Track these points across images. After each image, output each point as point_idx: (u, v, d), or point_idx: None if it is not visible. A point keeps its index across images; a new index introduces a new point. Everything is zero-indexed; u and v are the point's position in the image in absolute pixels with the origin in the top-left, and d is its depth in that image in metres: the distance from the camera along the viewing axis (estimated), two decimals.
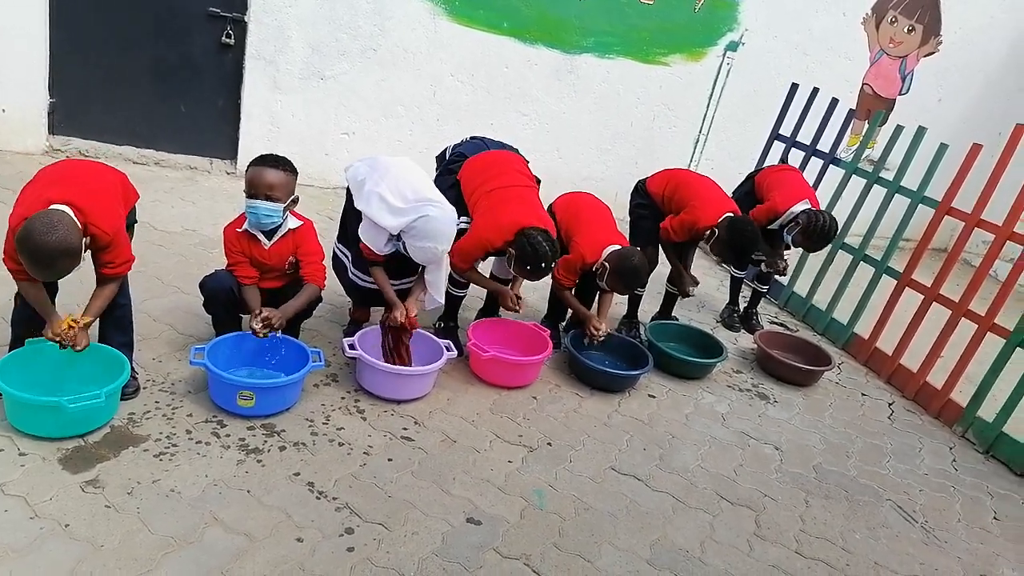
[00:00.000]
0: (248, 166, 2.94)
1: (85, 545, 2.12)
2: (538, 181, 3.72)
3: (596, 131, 6.46)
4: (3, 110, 4.84)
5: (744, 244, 3.93)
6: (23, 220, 2.28)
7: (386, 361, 3.22)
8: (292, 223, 3.05)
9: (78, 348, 2.55)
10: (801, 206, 4.36)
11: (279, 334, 2.96)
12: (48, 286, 2.60)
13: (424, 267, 3.26)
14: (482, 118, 5.92)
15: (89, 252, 2.51)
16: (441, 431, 3.05)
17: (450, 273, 3.62)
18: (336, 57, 5.42)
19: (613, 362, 3.83)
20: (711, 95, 6.68)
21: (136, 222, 2.99)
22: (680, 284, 4.31)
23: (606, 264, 3.54)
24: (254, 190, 2.89)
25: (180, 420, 2.74)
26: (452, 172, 3.66)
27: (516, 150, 3.83)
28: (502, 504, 2.69)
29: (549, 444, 3.13)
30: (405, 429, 3.01)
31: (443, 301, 3.43)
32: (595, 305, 3.86)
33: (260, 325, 2.87)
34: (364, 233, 3.15)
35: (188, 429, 2.70)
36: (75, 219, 2.35)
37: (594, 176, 6.46)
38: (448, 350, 3.28)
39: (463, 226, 3.46)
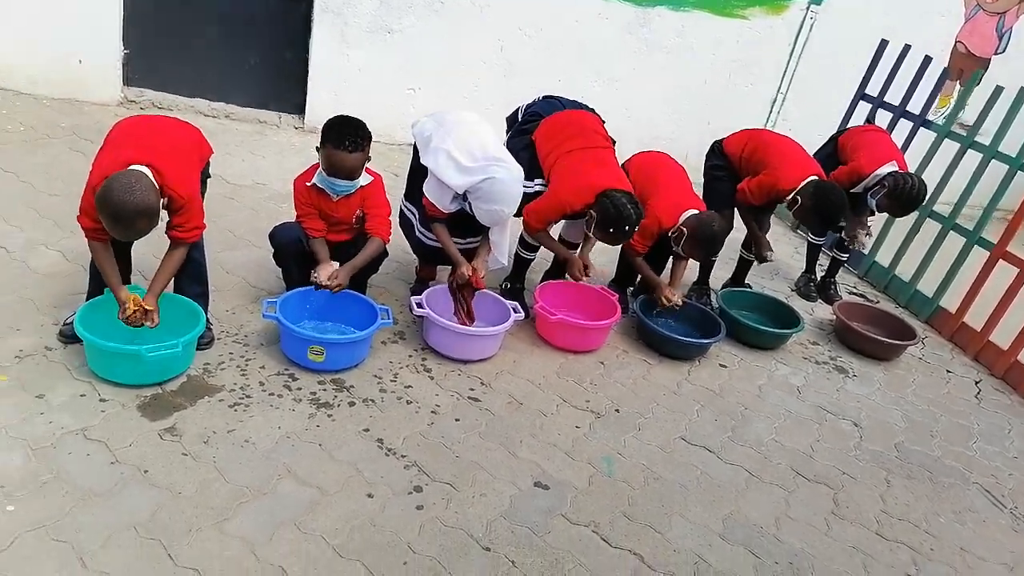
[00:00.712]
0: (324, 137, 2.84)
1: (164, 492, 2.16)
2: (613, 142, 3.59)
3: (668, 88, 6.20)
4: (80, 61, 4.91)
5: (830, 211, 3.72)
6: (102, 180, 2.29)
7: (458, 321, 3.19)
8: (363, 179, 3.01)
9: (152, 326, 2.56)
10: (888, 168, 4.11)
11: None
12: (122, 245, 2.62)
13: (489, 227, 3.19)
14: (550, 75, 5.73)
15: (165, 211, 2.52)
16: (508, 393, 3.01)
17: (520, 235, 3.54)
18: (403, 10, 5.31)
19: (683, 329, 3.71)
20: (792, 51, 6.33)
21: (210, 176, 2.99)
22: (757, 248, 4.14)
23: (683, 229, 3.40)
24: (334, 171, 2.87)
25: (253, 372, 2.77)
26: (527, 132, 3.55)
27: (592, 109, 3.69)
28: (570, 469, 2.65)
29: (617, 411, 3.06)
30: (472, 390, 2.98)
31: (506, 262, 3.36)
32: (666, 271, 3.74)
33: (326, 278, 2.87)
34: (429, 190, 3.10)
35: (261, 381, 2.73)
36: (153, 180, 2.36)
37: (664, 136, 6.23)
38: (515, 311, 3.23)
39: (539, 188, 3.37)
